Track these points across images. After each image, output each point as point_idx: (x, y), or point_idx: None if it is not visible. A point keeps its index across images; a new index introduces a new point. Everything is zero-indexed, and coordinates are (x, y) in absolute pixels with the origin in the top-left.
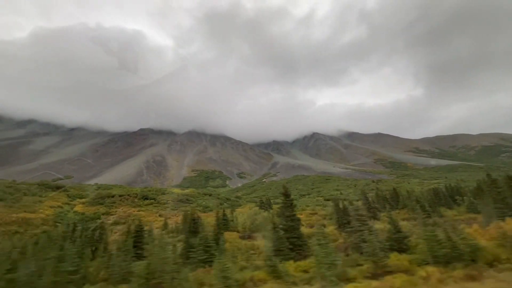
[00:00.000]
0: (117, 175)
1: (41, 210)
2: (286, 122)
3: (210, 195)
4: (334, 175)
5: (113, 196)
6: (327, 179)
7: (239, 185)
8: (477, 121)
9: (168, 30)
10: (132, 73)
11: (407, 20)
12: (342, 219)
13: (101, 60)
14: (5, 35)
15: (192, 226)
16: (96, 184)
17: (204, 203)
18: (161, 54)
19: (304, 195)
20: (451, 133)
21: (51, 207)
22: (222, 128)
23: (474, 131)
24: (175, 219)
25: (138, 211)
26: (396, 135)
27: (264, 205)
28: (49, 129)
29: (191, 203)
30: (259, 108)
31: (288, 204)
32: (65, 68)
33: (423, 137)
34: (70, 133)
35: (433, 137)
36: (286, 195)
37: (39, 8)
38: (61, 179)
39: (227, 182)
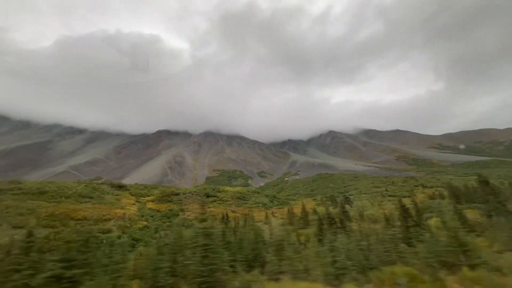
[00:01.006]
0: (144, 175)
1: (127, 207)
2: (301, 120)
3: (258, 192)
4: (359, 172)
5: (178, 194)
6: (355, 177)
7: (262, 184)
8: (503, 115)
9: (185, 34)
10: (149, 76)
11: (427, 13)
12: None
13: (119, 65)
14: (31, 45)
15: (407, 215)
16: (137, 183)
17: (257, 200)
18: (178, 57)
19: (342, 192)
20: (475, 128)
21: (129, 204)
22: (237, 128)
23: (501, 125)
24: (263, 213)
25: (208, 207)
26: (415, 132)
27: (333, 200)
28: (73, 132)
29: (248, 200)
30: (274, 107)
31: (490, 191)
32: (86, 74)
33: (445, 133)
34: (93, 136)
35: (456, 132)
36: (487, 182)
37: (62, 18)
38: (92, 180)
39: (249, 181)
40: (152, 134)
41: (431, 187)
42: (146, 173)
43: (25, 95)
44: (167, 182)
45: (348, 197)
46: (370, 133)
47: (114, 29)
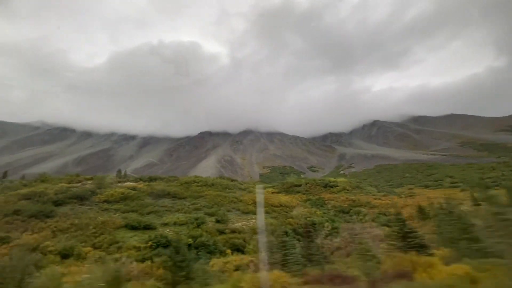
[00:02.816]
0: (202, 175)
1: (277, 198)
2: (341, 112)
3: (360, 182)
4: (426, 161)
5: (300, 185)
6: (429, 166)
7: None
8: None
9: (223, 37)
10: (190, 81)
11: None
12: None
13: (162, 73)
14: (88, 63)
15: None
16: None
17: (369, 189)
18: (216, 60)
19: (438, 181)
20: None
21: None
22: (275, 125)
23: None
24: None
25: (347, 197)
26: (475, 114)
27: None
28: (127, 139)
29: (363, 189)
30: (312, 101)
31: None
32: (134, 84)
33: None
34: (144, 141)
35: None
36: None
37: (110, 36)
38: None
39: (302, 177)
40: (196, 136)
41: None
42: (203, 172)
43: (85, 108)
44: None
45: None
46: (420, 120)
47: (156, 40)
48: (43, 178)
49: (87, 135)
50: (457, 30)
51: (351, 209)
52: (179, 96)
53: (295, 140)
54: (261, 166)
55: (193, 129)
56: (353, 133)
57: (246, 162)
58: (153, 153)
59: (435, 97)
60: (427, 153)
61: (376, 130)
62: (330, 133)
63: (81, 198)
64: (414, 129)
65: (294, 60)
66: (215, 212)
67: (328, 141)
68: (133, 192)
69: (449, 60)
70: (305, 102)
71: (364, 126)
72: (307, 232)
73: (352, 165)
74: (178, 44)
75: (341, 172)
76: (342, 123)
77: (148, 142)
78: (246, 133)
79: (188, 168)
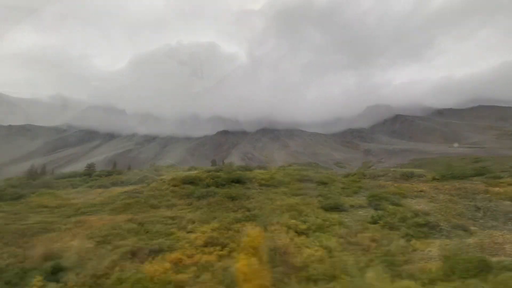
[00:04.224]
0: None
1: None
2: (361, 107)
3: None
4: (469, 154)
5: (383, 175)
6: (476, 158)
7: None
8: None
9: (242, 35)
10: (208, 81)
11: None
12: None
13: (180, 73)
14: (110, 68)
15: None
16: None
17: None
18: (234, 59)
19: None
20: None
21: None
22: (293, 122)
23: None
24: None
25: (453, 185)
26: (506, 105)
27: None
28: (148, 140)
29: (441, 179)
30: (331, 96)
31: None
32: (153, 86)
33: None
34: (164, 142)
35: None
36: None
37: (130, 40)
38: None
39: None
40: (214, 135)
41: None
42: None
43: (107, 111)
44: None
45: None
46: (445, 113)
47: (175, 42)
48: (158, 168)
49: (110, 136)
50: (486, 18)
51: (476, 197)
52: (196, 96)
53: (315, 136)
54: (285, 163)
55: (210, 129)
56: (374, 128)
57: (268, 159)
58: (175, 152)
59: (460, 89)
60: (462, 146)
61: (399, 124)
62: (350, 128)
63: (242, 182)
64: (440, 122)
65: (314, 55)
66: (377, 194)
67: (349, 136)
68: (280, 177)
69: (476, 49)
70: (324, 97)
71: (385, 120)
72: None
73: (381, 160)
74: (196, 44)
75: (372, 167)
76: (362, 118)
77: (167, 142)
78: (263, 131)
79: None
